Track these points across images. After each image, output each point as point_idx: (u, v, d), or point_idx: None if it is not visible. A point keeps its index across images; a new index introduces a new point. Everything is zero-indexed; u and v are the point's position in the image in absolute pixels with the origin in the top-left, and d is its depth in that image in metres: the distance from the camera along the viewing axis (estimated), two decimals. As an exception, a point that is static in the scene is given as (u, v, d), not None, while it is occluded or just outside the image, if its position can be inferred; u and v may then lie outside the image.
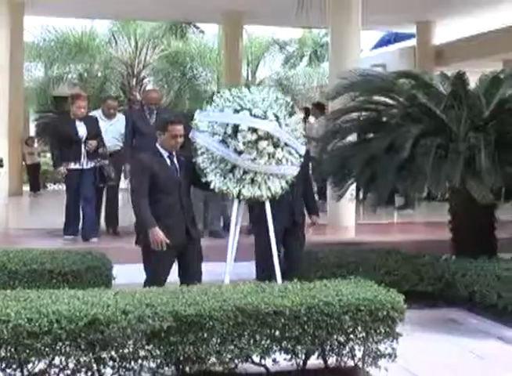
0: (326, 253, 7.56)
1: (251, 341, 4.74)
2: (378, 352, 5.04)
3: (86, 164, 9.00)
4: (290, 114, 6.27)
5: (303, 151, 6.40)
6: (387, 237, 9.46)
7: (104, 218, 9.90)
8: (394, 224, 11.07)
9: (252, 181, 6.09)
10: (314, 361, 5.11)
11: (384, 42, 24.18)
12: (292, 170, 6.31)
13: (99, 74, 24.41)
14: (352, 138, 8.04)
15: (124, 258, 7.45)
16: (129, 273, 6.84)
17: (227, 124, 6.00)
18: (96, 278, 6.75)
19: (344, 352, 5.07)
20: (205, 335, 4.61)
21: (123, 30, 24.07)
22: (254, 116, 6.02)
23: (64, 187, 10.06)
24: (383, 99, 7.74)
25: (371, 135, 7.67)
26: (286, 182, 6.30)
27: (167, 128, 5.97)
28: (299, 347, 4.93)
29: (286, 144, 6.20)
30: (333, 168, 7.57)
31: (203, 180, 6.06)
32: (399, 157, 6.98)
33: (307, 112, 15.50)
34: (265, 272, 6.69)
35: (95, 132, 9.10)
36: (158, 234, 5.79)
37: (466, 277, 6.93)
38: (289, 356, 4.97)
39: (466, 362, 5.69)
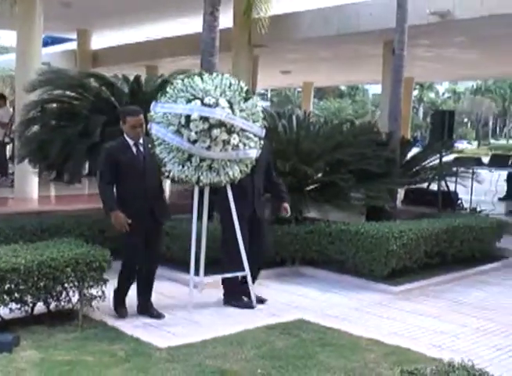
0: (26, 221, 7.59)
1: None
2: (92, 296, 5.58)
3: None
4: (246, 99, 5.85)
5: (262, 134, 5.98)
6: (67, 207, 9.66)
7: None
8: (68, 196, 11.24)
9: (210, 167, 5.74)
10: (38, 307, 5.50)
11: (44, 43, 23.75)
12: (251, 154, 5.89)
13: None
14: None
15: None
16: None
17: (180, 115, 5.61)
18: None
19: (64, 297, 5.55)
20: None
21: None
22: (205, 105, 5.62)
23: None
24: (75, 93, 8.07)
25: (65, 123, 7.93)
26: (246, 165, 5.93)
27: (125, 120, 5.66)
28: (29, 297, 5.27)
29: (242, 129, 5.80)
30: (31, 149, 7.69)
31: (163, 170, 5.68)
32: (90, 141, 7.42)
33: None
34: (233, 260, 6.17)
35: None
36: (120, 218, 5.55)
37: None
38: (18, 306, 5.29)
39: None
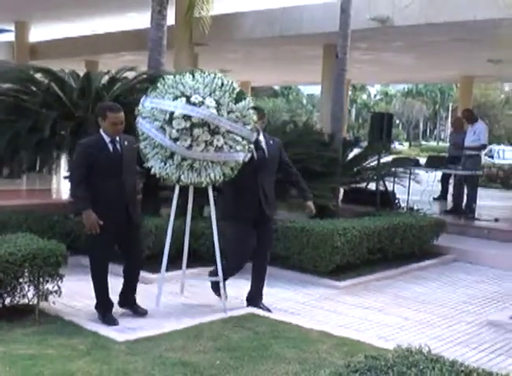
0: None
1: None
2: (48, 291, 5.62)
3: None
4: (237, 100, 5.69)
5: (253, 138, 5.81)
6: (11, 202, 9.57)
7: None
8: (10, 191, 11.11)
9: (191, 167, 5.63)
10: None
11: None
12: (236, 157, 5.70)
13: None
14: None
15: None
16: None
17: (166, 111, 5.53)
18: None
19: (19, 293, 5.56)
20: None
21: None
22: (190, 103, 5.51)
23: None
24: (24, 88, 8.04)
25: (14, 117, 7.89)
26: (231, 169, 5.73)
27: (106, 115, 5.48)
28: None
29: (228, 131, 5.64)
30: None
31: (145, 165, 5.60)
32: (41, 135, 7.42)
33: None
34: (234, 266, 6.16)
35: None
36: (90, 217, 5.39)
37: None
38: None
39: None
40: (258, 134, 6.00)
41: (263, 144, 6.07)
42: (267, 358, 4.79)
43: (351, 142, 11.20)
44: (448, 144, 16.55)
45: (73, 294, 6.21)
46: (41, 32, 18.67)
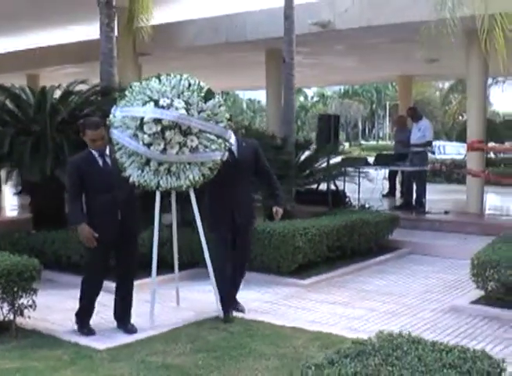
0: None
1: None
2: (23, 305, 5.67)
3: None
4: (206, 99, 5.65)
5: (227, 135, 5.74)
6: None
7: None
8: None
9: (169, 171, 5.61)
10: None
11: None
12: (213, 156, 5.64)
13: None
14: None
15: None
16: None
17: (136, 118, 5.53)
18: None
19: (-5, 309, 5.56)
20: None
21: None
22: (159, 106, 5.50)
23: None
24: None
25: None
26: (210, 169, 5.69)
27: (85, 133, 5.51)
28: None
29: (201, 131, 5.61)
30: None
31: (123, 174, 5.56)
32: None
33: None
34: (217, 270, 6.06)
35: None
36: (84, 231, 5.44)
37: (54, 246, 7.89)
38: None
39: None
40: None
41: (233, 147, 5.99)
42: (246, 355, 4.99)
43: (302, 144, 11.47)
44: (389, 142, 17.02)
45: (45, 308, 6.26)
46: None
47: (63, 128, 8.08)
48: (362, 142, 69.09)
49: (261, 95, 60.00)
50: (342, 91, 76.21)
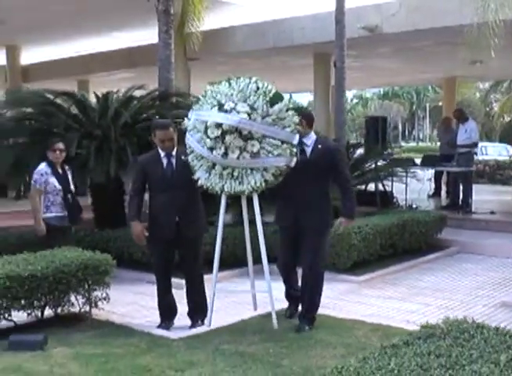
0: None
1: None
2: (97, 297, 6.09)
3: None
4: (273, 103, 5.48)
5: (294, 140, 5.53)
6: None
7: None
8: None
9: (232, 176, 5.57)
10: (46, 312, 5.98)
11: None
12: (275, 162, 5.48)
13: None
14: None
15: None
16: None
17: (203, 121, 5.57)
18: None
19: (72, 301, 6.04)
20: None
21: None
22: (222, 110, 5.46)
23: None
24: (48, 112, 8.50)
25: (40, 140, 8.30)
26: (273, 175, 5.52)
27: (155, 133, 5.72)
28: (36, 303, 5.73)
29: (264, 136, 5.46)
30: (8, 162, 8.03)
31: (193, 177, 5.66)
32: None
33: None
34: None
35: None
36: (135, 228, 5.63)
37: (117, 243, 8.30)
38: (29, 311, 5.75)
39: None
40: (301, 137, 5.70)
41: (308, 148, 5.78)
42: (314, 345, 5.27)
43: (353, 146, 11.74)
44: (429, 144, 17.08)
45: (114, 301, 6.60)
46: (31, 55, 19.03)
47: (126, 131, 8.48)
48: (403, 143, 68.75)
49: (302, 98, 60.25)
50: (382, 92, 75.83)
